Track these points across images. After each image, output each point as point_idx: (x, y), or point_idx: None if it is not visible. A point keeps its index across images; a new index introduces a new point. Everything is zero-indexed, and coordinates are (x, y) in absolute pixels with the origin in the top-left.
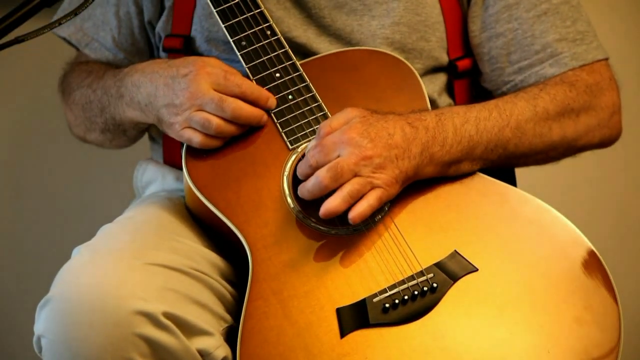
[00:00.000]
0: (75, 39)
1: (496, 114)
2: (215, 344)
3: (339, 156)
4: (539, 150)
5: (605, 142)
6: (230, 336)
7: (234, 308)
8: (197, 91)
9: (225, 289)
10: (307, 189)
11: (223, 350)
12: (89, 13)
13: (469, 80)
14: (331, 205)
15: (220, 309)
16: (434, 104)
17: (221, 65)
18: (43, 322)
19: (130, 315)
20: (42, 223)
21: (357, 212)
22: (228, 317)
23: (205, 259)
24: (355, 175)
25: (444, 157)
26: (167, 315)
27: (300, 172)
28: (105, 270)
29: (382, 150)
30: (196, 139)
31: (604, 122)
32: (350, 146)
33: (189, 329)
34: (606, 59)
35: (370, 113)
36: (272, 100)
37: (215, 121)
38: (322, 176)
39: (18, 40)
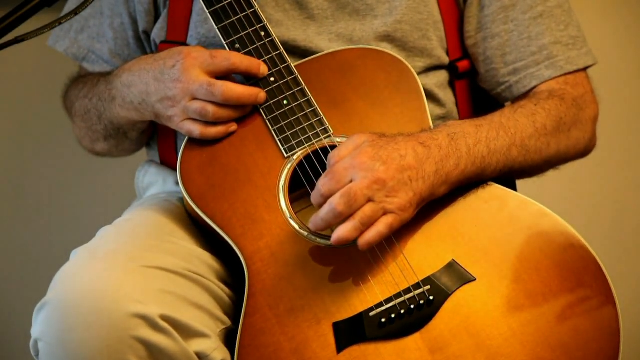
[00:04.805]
0: (71, 53)
1: (503, 133)
2: (212, 346)
3: (351, 181)
4: (536, 166)
5: (586, 153)
6: (227, 338)
7: (232, 310)
8: (188, 79)
9: (222, 291)
10: (320, 218)
11: (220, 352)
12: (82, 25)
13: (469, 80)
14: (342, 232)
15: (217, 311)
16: (435, 98)
17: (205, 49)
18: (40, 326)
19: (127, 318)
20: (43, 225)
21: (365, 240)
22: (225, 318)
23: (202, 261)
24: (369, 200)
25: (459, 177)
26: (164, 318)
27: (313, 202)
28: (101, 273)
29: (395, 172)
30: (196, 131)
31: (588, 135)
32: (363, 170)
33: (186, 331)
34: (593, 65)
35: (379, 136)
36: (263, 68)
37: (212, 109)
38: (335, 203)
39: (18, 40)
